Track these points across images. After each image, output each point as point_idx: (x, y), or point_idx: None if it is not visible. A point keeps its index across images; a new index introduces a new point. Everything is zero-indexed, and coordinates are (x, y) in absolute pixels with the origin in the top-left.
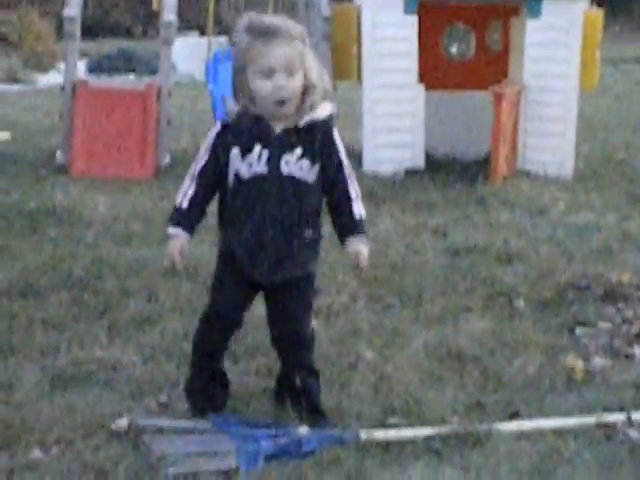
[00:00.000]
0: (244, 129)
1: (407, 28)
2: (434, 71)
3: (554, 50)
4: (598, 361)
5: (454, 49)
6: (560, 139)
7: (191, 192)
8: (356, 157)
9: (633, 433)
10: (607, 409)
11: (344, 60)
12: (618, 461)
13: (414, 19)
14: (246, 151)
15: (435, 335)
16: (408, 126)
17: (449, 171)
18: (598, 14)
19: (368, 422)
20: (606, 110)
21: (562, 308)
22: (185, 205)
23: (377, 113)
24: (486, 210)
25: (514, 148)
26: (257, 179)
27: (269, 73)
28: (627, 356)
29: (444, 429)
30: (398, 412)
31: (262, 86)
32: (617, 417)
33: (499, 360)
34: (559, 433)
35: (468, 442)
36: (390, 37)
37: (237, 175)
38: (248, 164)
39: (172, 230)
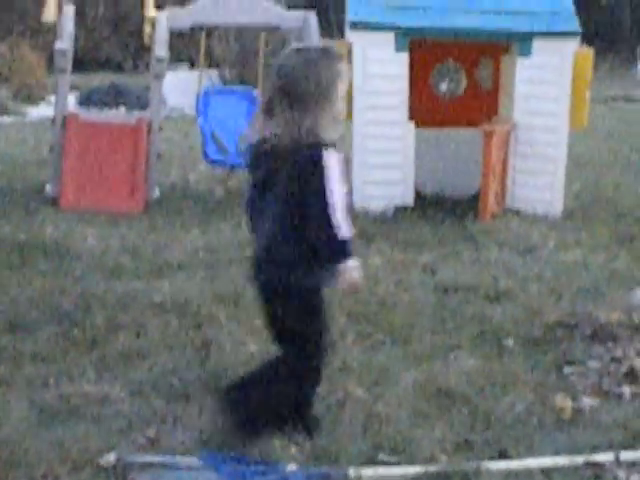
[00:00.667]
0: None
1: (398, 65)
2: (424, 108)
3: (544, 88)
4: (587, 400)
5: (444, 86)
6: (549, 177)
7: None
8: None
9: (622, 473)
10: (596, 449)
11: None
12: None
13: (405, 56)
14: None
15: (424, 373)
16: (398, 163)
17: (439, 208)
18: (588, 53)
19: (357, 459)
20: (596, 149)
21: (551, 347)
22: None
23: (367, 150)
24: (475, 248)
25: (503, 186)
26: None
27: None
28: (616, 395)
29: (433, 467)
30: (387, 450)
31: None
32: (606, 457)
33: (488, 398)
34: (548, 472)
35: None
36: (381, 74)
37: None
38: None
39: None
